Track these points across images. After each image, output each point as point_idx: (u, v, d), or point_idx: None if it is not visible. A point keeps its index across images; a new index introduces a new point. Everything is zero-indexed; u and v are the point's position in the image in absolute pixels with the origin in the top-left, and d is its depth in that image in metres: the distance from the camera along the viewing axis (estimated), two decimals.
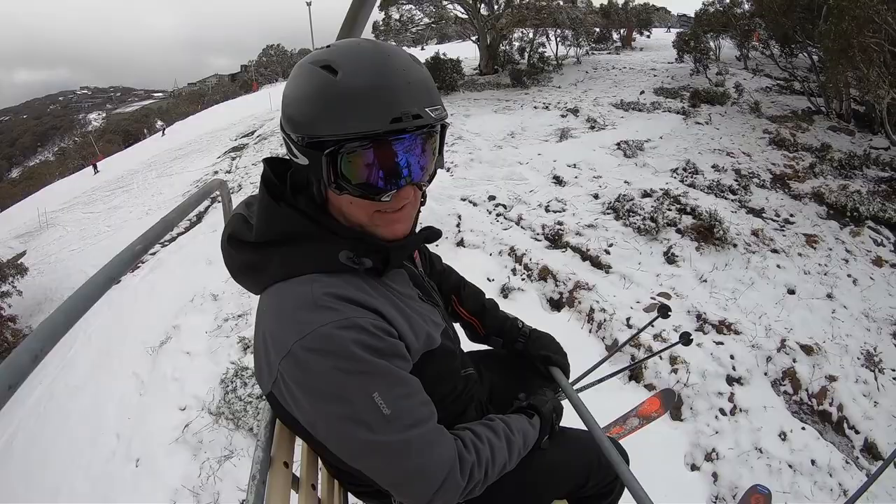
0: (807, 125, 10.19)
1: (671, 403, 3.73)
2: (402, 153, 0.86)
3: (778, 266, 6.75)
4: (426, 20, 15.59)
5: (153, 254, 8.26)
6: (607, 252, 6.99)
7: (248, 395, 4.64)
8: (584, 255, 7.05)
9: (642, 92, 12.55)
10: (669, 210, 7.80)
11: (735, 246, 7.06)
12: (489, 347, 1.55)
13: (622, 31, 18.81)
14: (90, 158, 33.11)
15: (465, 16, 16.25)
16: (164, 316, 6.34)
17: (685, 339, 2.25)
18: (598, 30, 18.66)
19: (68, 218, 13.41)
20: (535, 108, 12.45)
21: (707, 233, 7.20)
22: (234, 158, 13.72)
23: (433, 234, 1.06)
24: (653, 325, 3.82)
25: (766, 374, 5.31)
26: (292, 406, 0.87)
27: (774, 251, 7.00)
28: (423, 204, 0.99)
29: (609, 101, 12.15)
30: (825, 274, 6.67)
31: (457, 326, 1.39)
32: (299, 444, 1.08)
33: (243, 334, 5.68)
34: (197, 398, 4.86)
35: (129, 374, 5.54)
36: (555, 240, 7.42)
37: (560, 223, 7.64)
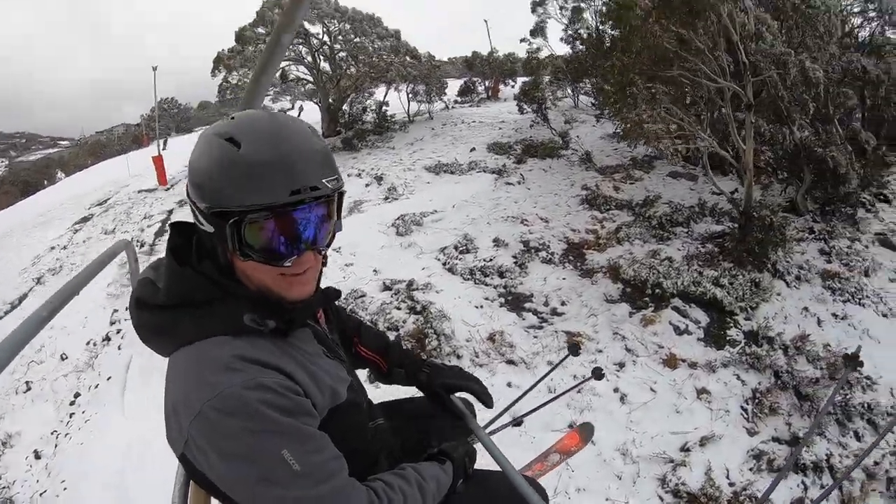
0: (643, 173, 8.64)
1: (590, 437, 3.55)
2: (302, 222, 0.97)
3: (508, 385, 4.80)
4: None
5: None
6: None
7: None
8: None
9: (473, 149, 11.20)
10: (399, 309, 5.94)
11: (459, 358, 5.13)
12: (400, 398, 1.66)
13: (487, 82, 17.90)
14: None
15: (307, 76, 15.23)
16: None
17: (597, 374, 2.87)
18: (463, 82, 17.82)
19: None
20: (347, 175, 10.94)
21: (425, 340, 5.30)
22: (75, 232, 12.63)
23: (332, 294, 1.18)
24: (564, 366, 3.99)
25: None
26: (205, 467, 0.89)
27: (510, 362, 5.07)
28: (324, 265, 1.10)
29: (426, 163, 10.73)
30: (578, 391, 4.70)
31: (363, 378, 1.38)
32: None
33: None
34: None
35: None
36: None
37: None
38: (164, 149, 16.43)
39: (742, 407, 4.61)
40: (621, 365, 5.05)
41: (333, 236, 1.08)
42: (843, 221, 6.68)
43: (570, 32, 9.50)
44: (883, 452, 4.10)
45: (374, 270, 7.01)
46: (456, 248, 7.20)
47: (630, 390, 4.81)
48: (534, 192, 8.63)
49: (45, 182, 44.71)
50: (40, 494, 4.89)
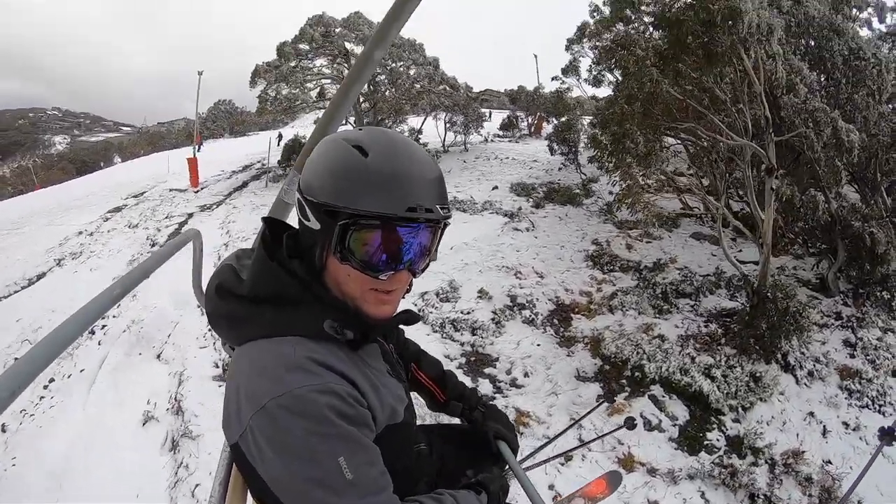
0: (664, 232, 7.84)
1: (617, 485, 3.43)
2: (408, 240, 0.96)
3: None
4: (303, 97, 14.76)
5: None
6: None
7: None
8: None
9: (495, 187, 10.75)
10: None
11: None
12: (439, 423, 1.72)
13: (530, 118, 17.29)
14: (30, 186, 33.20)
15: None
16: None
17: (629, 423, 2.99)
18: (506, 115, 17.33)
19: None
20: None
21: None
22: (106, 220, 13.22)
23: (412, 317, 1.14)
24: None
25: None
26: (257, 460, 0.89)
27: None
28: (408, 291, 1.06)
29: None
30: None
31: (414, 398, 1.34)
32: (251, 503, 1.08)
33: None
34: None
35: None
36: None
37: None
38: (198, 151, 17.07)
39: None
40: (567, 458, 4.40)
41: (427, 265, 1.05)
42: (877, 307, 5.76)
43: (594, 73, 8.88)
44: None
45: None
46: (437, 294, 6.75)
47: (567, 490, 4.16)
48: (539, 242, 8.08)
49: (102, 164, 47.23)
50: None
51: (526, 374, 5.36)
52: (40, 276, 9.45)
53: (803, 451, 4.35)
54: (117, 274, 8.25)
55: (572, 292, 6.65)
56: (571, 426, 3.44)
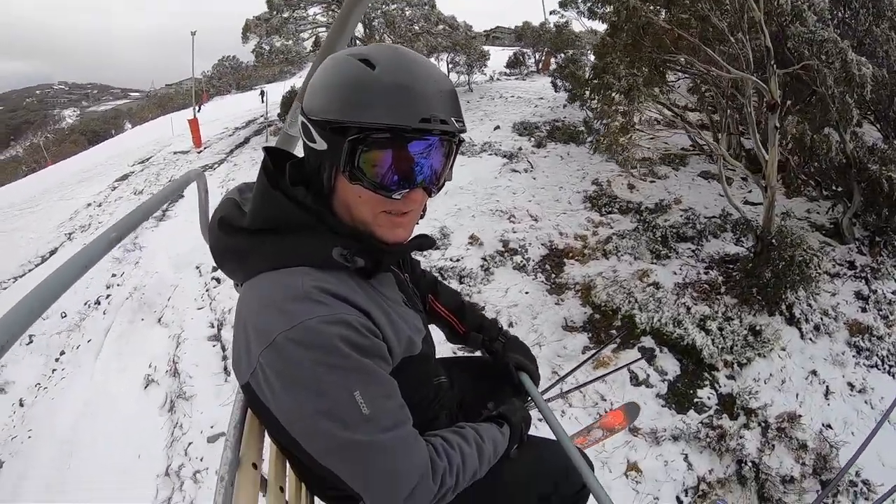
0: (670, 170, 7.25)
1: (634, 416, 3.40)
2: (421, 156, 0.89)
3: None
4: (297, 48, 14.11)
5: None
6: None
7: None
8: None
9: (497, 127, 10.08)
10: None
11: None
12: (459, 354, 1.78)
13: (537, 55, 16.15)
14: (42, 163, 33.20)
15: None
16: None
17: (648, 354, 3.13)
18: (512, 53, 16.27)
19: None
20: None
21: None
22: (113, 189, 13.04)
23: (427, 242, 1.07)
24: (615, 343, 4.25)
25: None
26: (269, 398, 0.85)
27: None
28: (422, 216, 1.01)
29: None
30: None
31: (434, 331, 1.29)
32: (268, 445, 1.06)
33: None
34: None
35: None
36: None
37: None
38: (198, 111, 16.63)
39: (678, 498, 3.56)
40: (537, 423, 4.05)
41: (443, 185, 0.96)
42: (894, 258, 5.17)
43: (588, 5, 7.94)
44: None
45: None
46: None
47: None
48: (538, 183, 7.53)
49: (113, 132, 46.49)
50: (11, 438, 5.10)
51: (511, 324, 4.98)
52: (52, 252, 9.37)
53: (800, 416, 3.94)
54: (124, 242, 8.12)
55: (567, 236, 6.17)
56: (593, 356, 3.53)
